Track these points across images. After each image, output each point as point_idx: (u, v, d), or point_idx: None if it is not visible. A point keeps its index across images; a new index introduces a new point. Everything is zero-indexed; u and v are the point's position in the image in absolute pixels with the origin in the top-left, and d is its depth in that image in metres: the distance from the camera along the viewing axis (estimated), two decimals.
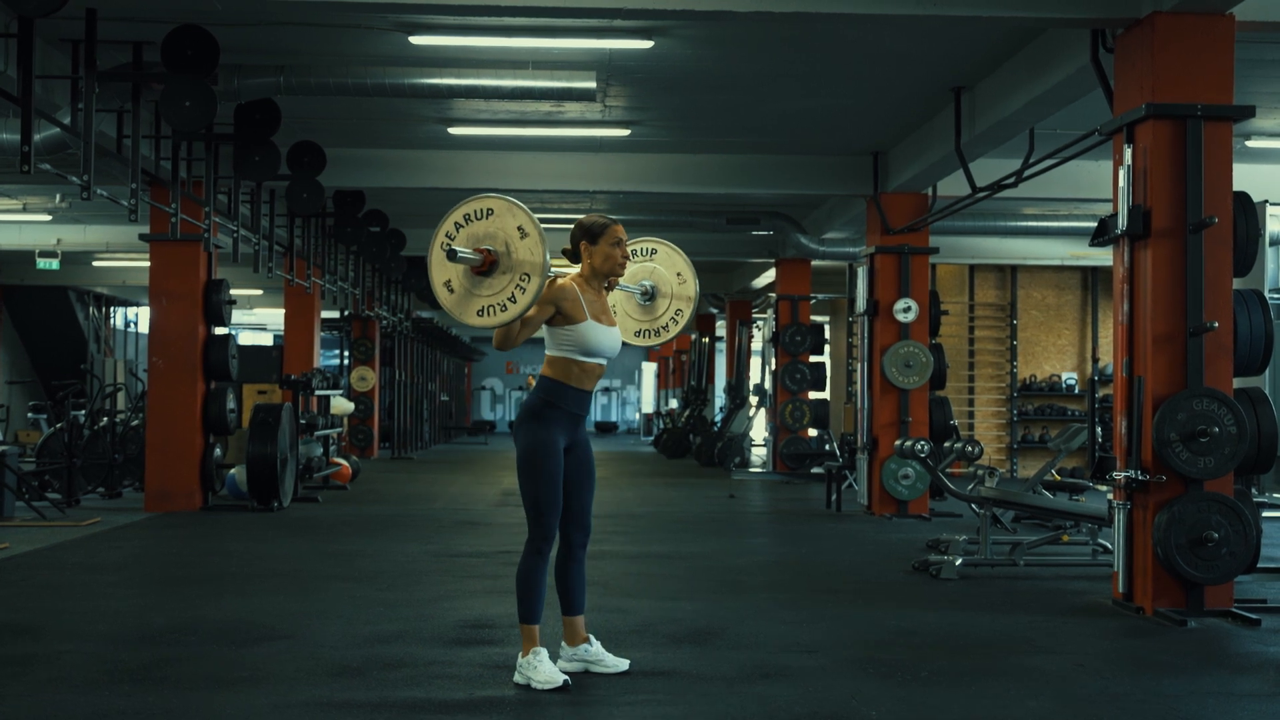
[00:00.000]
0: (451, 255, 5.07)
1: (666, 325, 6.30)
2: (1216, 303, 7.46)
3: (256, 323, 36.29)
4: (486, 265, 5.15)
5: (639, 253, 6.29)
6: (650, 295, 6.27)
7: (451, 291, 5.22)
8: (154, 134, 11.11)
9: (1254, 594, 8.03)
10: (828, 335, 23.35)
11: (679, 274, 6.28)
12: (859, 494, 13.83)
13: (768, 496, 16.04)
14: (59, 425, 14.24)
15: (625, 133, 12.88)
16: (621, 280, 6.01)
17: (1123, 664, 6.23)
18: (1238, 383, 7.81)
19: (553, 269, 5.34)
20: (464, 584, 8.32)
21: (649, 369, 41.95)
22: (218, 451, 13.32)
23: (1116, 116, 7.88)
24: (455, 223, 5.23)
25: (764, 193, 14.86)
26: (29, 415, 23.44)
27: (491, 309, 5.18)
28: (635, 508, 13.99)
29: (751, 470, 20.77)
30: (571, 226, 5.76)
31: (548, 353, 5.55)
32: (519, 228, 5.15)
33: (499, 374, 45.75)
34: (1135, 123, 7.65)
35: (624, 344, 6.10)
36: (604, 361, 5.59)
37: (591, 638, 5.77)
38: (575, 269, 5.69)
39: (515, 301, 5.14)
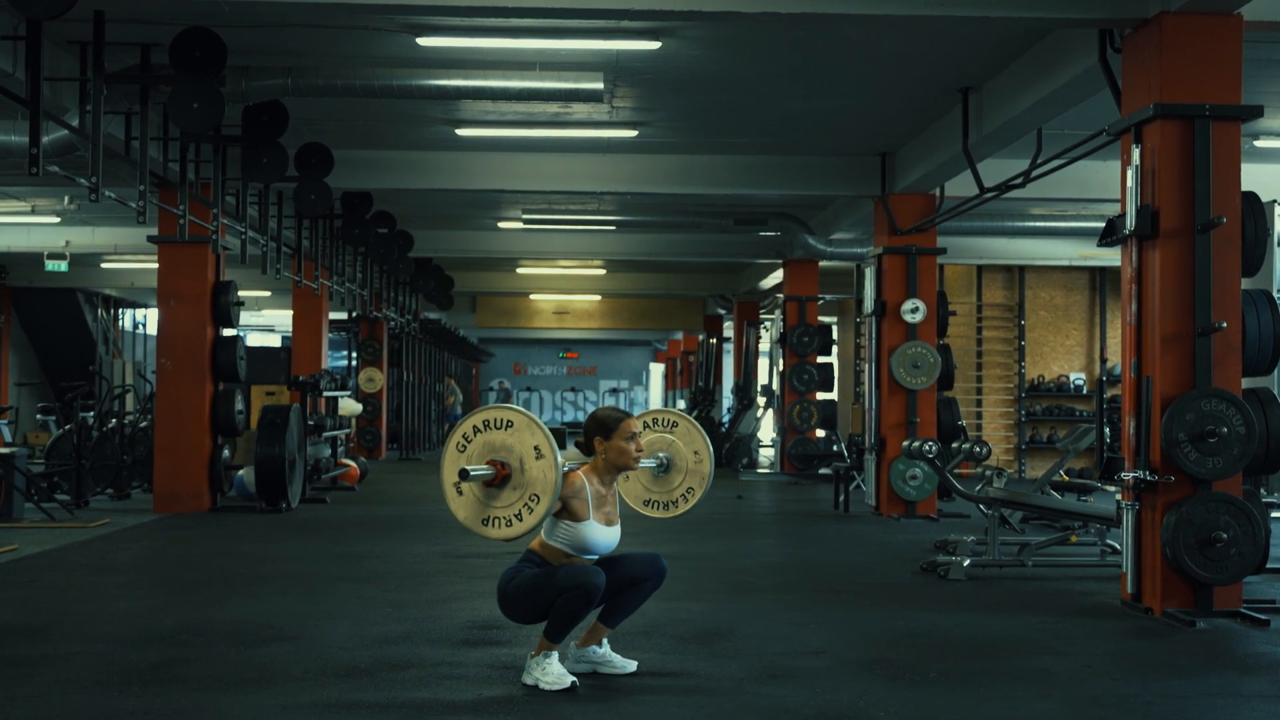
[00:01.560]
0: (464, 475, 5.14)
1: (677, 501, 6.36)
2: (1225, 303, 7.45)
3: (264, 324, 36.31)
4: (499, 480, 5.20)
5: (660, 423, 6.34)
6: (665, 467, 6.34)
7: (460, 495, 5.27)
8: (162, 136, 11.13)
9: (1263, 595, 8.02)
10: (835, 336, 23.28)
11: (696, 452, 6.33)
12: (867, 495, 13.82)
13: (775, 497, 16.02)
14: (67, 427, 14.26)
15: (633, 133, 12.88)
16: None
17: (1131, 665, 6.22)
18: (1246, 383, 7.80)
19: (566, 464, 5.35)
20: (472, 585, 8.33)
21: (657, 370, 42.00)
22: (226, 453, 13.34)
23: (1124, 117, 7.87)
24: (474, 426, 5.27)
25: (771, 193, 14.86)
26: (38, 417, 23.47)
27: (498, 521, 5.22)
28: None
29: (759, 471, 20.76)
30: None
31: (543, 536, 5.53)
32: (535, 447, 5.19)
33: (507, 375, 45.79)
34: (1143, 123, 7.64)
35: (629, 505, 6.16)
36: (595, 558, 5.58)
37: (602, 639, 5.76)
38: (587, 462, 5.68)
39: (521, 520, 5.19)
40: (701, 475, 6.31)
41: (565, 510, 5.46)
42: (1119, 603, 7.83)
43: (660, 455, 6.30)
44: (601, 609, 5.66)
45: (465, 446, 5.24)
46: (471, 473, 5.13)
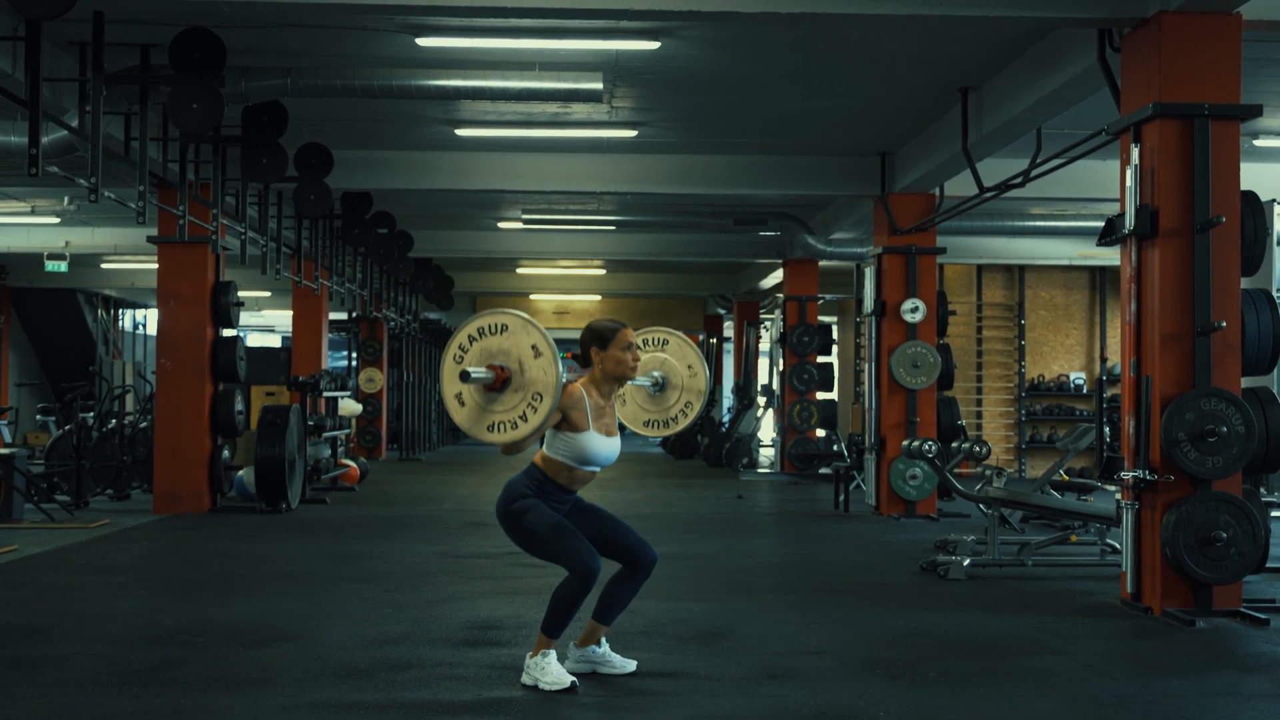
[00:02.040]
0: (464, 377, 5.06)
1: (675, 418, 6.31)
2: (1224, 302, 7.45)
3: (264, 324, 36.32)
4: (499, 383, 5.15)
5: (651, 343, 6.30)
6: (661, 386, 6.28)
7: (463, 405, 5.21)
8: (162, 136, 11.13)
9: (1263, 594, 8.02)
10: (835, 336, 23.30)
11: (690, 366, 6.28)
12: (867, 494, 13.82)
13: (775, 497, 16.02)
14: (67, 427, 14.26)
15: (632, 134, 12.89)
16: None
17: (1131, 664, 6.22)
18: (1246, 382, 7.80)
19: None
20: (472, 585, 8.33)
21: None
22: (226, 453, 13.34)
23: (1124, 116, 7.87)
24: (469, 335, 5.22)
25: (771, 193, 14.86)
26: (37, 417, 23.47)
27: (502, 425, 5.16)
28: (643, 508, 13.98)
29: (759, 471, 20.76)
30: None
31: (544, 449, 5.52)
32: (533, 346, 5.14)
33: None
34: (1142, 122, 7.64)
35: (629, 429, 6.13)
36: (598, 469, 5.58)
37: (603, 639, 5.76)
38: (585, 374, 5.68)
39: (526, 420, 5.12)
40: (697, 389, 6.26)
41: (565, 422, 5.43)
42: (1119, 602, 7.84)
43: (655, 374, 6.25)
44: (596, 605, 5.67)
45: (462, 356, 5.18)
46: (472, 374, 5.05)
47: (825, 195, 15.57)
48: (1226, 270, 7.49)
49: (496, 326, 5.19)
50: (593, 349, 5.59)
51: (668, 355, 6.29)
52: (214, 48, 9.13)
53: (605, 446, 5.52)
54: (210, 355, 13.01)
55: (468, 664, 5.97)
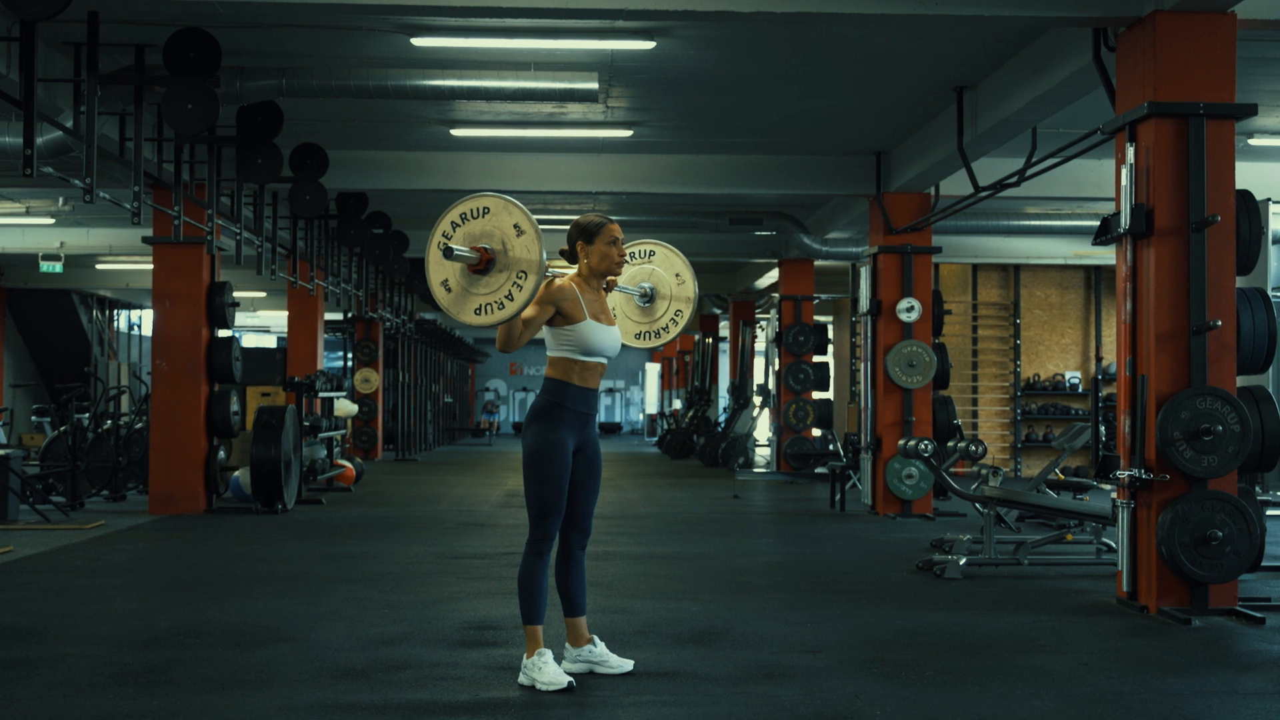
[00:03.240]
0: (448, 253, 5.06)
1: (666, 326, 6.30)
2: (1220, 301, 7.46)
3: (260, 325, 36.30)
4: (483, 263, 5.15)
5: (637, 255, 6.29)
6: (649, 297, 6.26)
7: (449, 290, 5.22)
8: (156, 137, 11.12)
9: (1258, 592, 8.03)
10: (831, 335, 23.34)
11: (677, 274, 6.27)
12: (863, 494, 13.82)
13: (772, 497, 16.03)
14: (63, 428, 14.25)
15: (627, 133, 12.89)
16: (620, 282, 6.02)
17: (1127, 663, 6.23)
18: (1241, 381, 7.81)
19: (550, 270, 5.33)
20: (468, 586, 8.33)
21: (653, 370, 41.97)
22: (221, 454, 13.33)
23: (1119, 115, 7.88)
24: (452, 221, 5.22)
25: (766, 193, 14.86)
26: (33, 418, 23.45)
27: (489, 307, 5.16)
28: (639, 508, 13.98)
29: (755, 470, 20.76)
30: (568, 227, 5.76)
31: (549, 353, 5.55)
32: (515, 225, 5.14)
33: (503, 375, 45.77)
34: (1137, 121, 7.65)
35: (625, 346, 6.12)
36: (605, 360, 5.59)
37: (596, 639, 5.77)
38: (573, 269, 5.68)
39: (512, 299, 5.13)
40: (686, 297, 6.26)
41: (560, 316, 5.44)
42: (1115, 601, 7.84)
43: (643, 285, 6.24)
44: (562, 606, 5.72)
45: (445, 244, 5.18)
46: (455, 251, 5.05)
47: (821, 195, 15.57)
48: (1222, 269, 7.50)
49: (478, 210, 5.21)
50: (579, 244, 5.62)
51: (654, 266, 6.28)
52: (209, 48, 9.12)
53: (606, 334, 5.55)
54: (206, 356, 13.01)
55: (464, 665, 5.97)
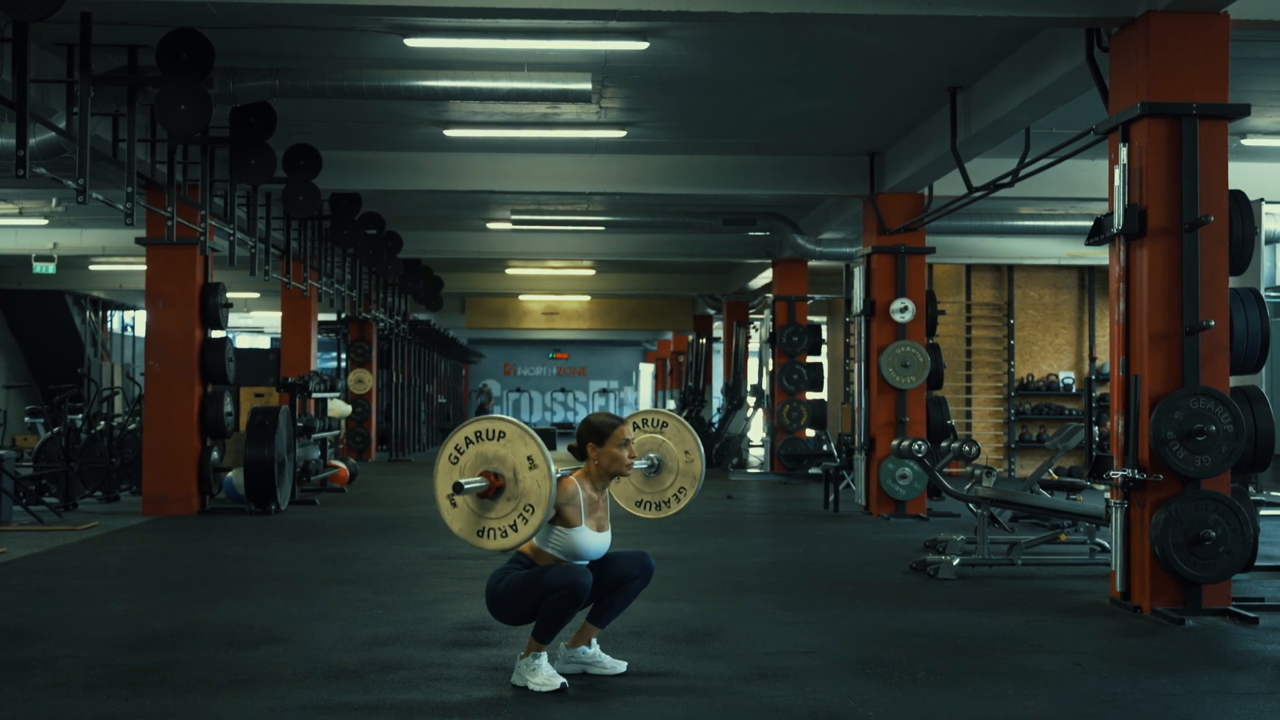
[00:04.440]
0: (457, 489, 5.09)
1: (669, 501, 6.32)
2: (1213, 301, 7.46)
3: (253, 326, 36.27)
4: (492, 490, 5.17)
5: (650, 423, 6.31)
6: (656, 468, 6.29)
7: (454, 506, 5.23)
8: (149, 137, 11.08)
9: (1251, 592, 8.05)
10: (825, 335, 23.34)
11: (687, 452, 6.28)
12: (857, 494, 13.83)
13: (765, 497, 16.03)
14: (56, 429, 14.22)
15: (621, 134, 12.88)
16: None
17: (1121, 663, 6.23)
18: (1234, 381, 7.81)
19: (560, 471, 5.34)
20: (461, 586, 8.32)
21: (646, 370, 41.99)
22: (215, 455, 13.31)
23: (1112, 115, 7.88)
24: (466, 437, 5.23)
25: (760, 193, 14.86)
26: (26, 419, 23.40)
27: (493, 533, 5.18)
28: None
29: (749, 471, 20.77)
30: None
31: (535, 541, 5.48)
32: (529, 458, 5.15)
33: (497, 376, 45.75)
34: (1131, 122, 7.65)
35: (621, 506, 6.18)
36: (586, 563, 5.57)
37: (591, 640, 5.76)
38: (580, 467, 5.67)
39: (516, 530, 5.15)
40: (693, 475, 6.29)
41: (558, 517, 5.45)
42: (1108, 601, 7.85)
43: (651, 456, 6.28)
44: (590, 608, 5.66)
45: (458, 459, 5.20)
46: (465, 486, 5.09)
47: (814, 195, 15.58)
48: (1215, 269, 7.50)
49: (494, 432, 5.21)
50: (589, 444, 5.61)
51: (665, 438, 6.30)
52: (202, 49, 9.11)
53: (595, 542, 5.54)
54: (199, 357, 12.99)
55: (457, 665, 5.97)
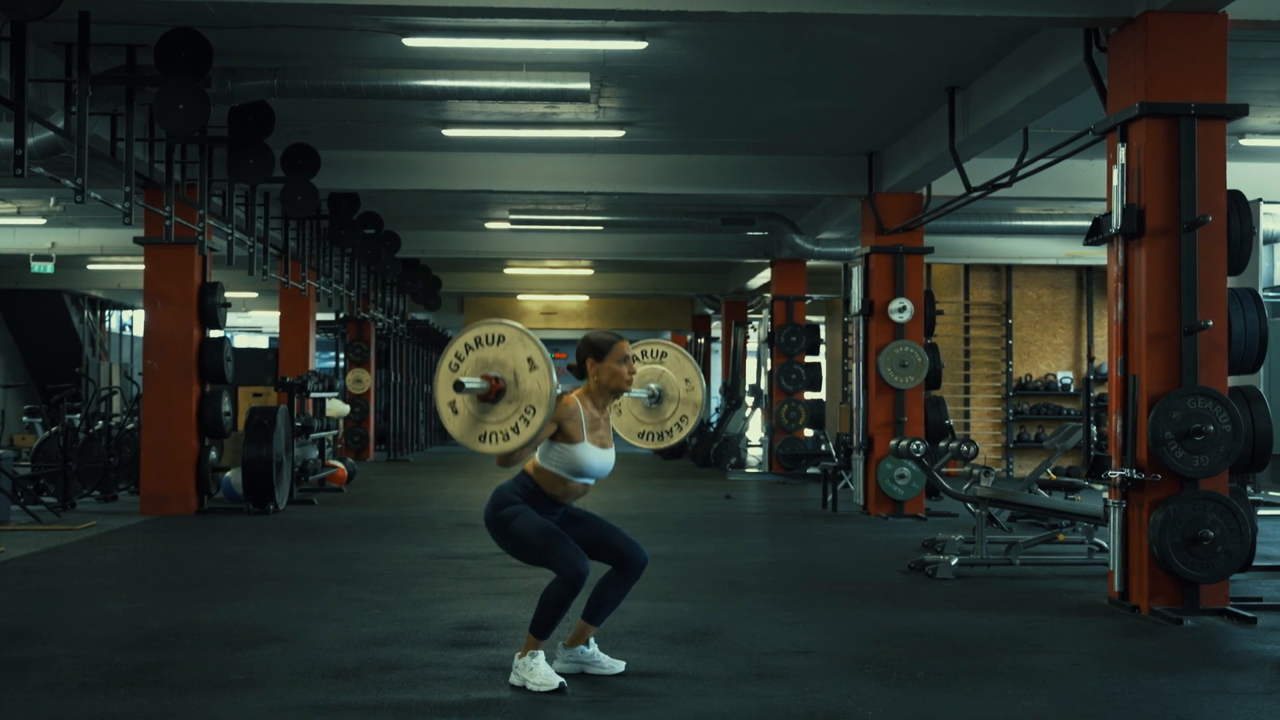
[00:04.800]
0: (459, 387, 5.07)
1: (670, 430, 6.30)
2: (1211, 301, 7.46)
3: (251, 325, 36.26)
4: (493, 394, 5.14)
5: (649, 354, 6.30)
6: (657, 398, 6.27)
7: (456, 413, 5.20)
8: (148, 137, 11.09)
9: (1249, 592, 8.05)
10: (823, 335, 23.34)
11: (687, 380, 6.27)
12: (855, 494, 13.83)
13: (764, 497, 16.03)
14: (54, 429, 14.21)
15: (619, 134, 12.88)
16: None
17: (1119, 663, 6.23)
18: (1232, 381, 7.81)
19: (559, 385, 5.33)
20: (460, 586, 8.32)
21: None
22: (213, 454, 13.31)
23: (1110, 115, 7.89)
24: (465, 344, 5.21)
25: (759, 193, 14.86)
26: (24, 419, 23.38)
27: (495, 436, 5.16)
28: (631, 509, 13.98)
29: (747, 471, 20.77)
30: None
31: (537, 459, 5.49)
32: (529, 359, 5.13)
33: None
34: (1129, 121, 7.66)
35: (624, 439, 6.15)
36: (591, 482, 5.57)
37: (589, 639, 5.76)
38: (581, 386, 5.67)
39: (518, 432, 5.12)
40: (694, 403, 6.26)
41: (560, 433, 5.42)
42: (1106, 601, 7.85)
43: (651, 386, 6.25)
44: (585, 605, 5.67)
45: (458, 365, 5.17)
46: (466, 384, 5.05)
47: (813, 195, 15.58)
48: (1213, 269, 7.51)
49: (493, 337, 5.18)
50: (589, 361, 5.59)
51: (665, 368, 6.29)
52: (200, 48, 9.11)
53: (599, 459, 5.52)
54: (197, 356, 12.99)
55: (456, 665, 5.96)
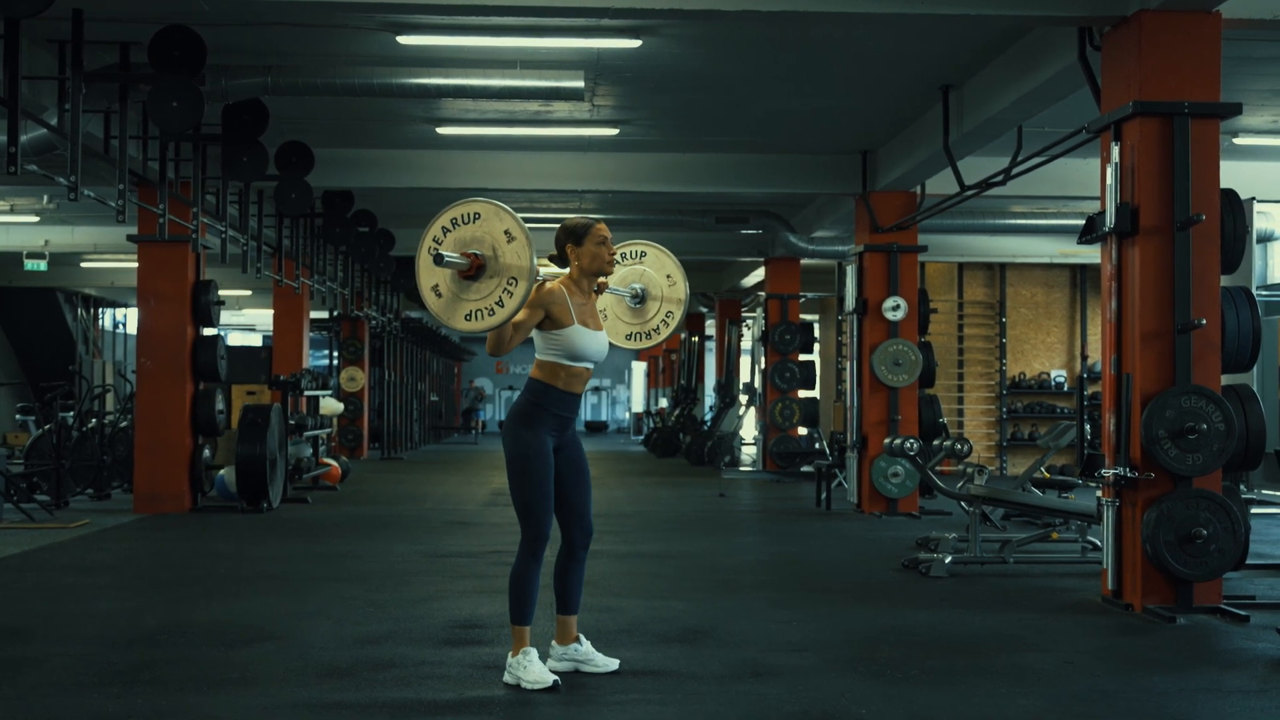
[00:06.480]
0: (438, 260, 5.06)
1: (657, 328, 6.29)
2: (1204, 300, 7.47)
3: (245, 323, 36.21)
4: (474, 270, 5.14)
5: (628, 255, 6.29)
6: (640, 298, 6.26)
7: (439, 296, 5.21)
8: (141, 135, 11.08)
9: (1242, 590, 8.06)
10: (817, 334, 23.32)
11: (669, 276, 6.27)
12: (849, 492, 13.84)
13: (758, 495, 16.04)
14: (47, 427, 14.19)
15: (613, 132, 12.88)
16: (611, 283, 6.02)
17: (1112, 661, 6.24)
18: (1226, 380, 7.83)
19: (541, 274, 5.33)
20: (453, 584, 8.32)
21: (639, 368, 41.96)
22: (206, 453, 13.29)
23: (1104, 114, 7.90)
24: (442, 227, 5.22)
25: (753, 192, 14.86)
26: (17, 417, 23.35)
27: (479, 313, 5.16)
28: (625, 507, 13.98)
29: (741, 469, 20.77)
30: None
31: (537, 356, 5.55)
32: (506, 231, 5.14)
33: (489, 374, 45.71)
34: (1123, 120, 7.66)
35: (614, 346, 6.13)
36: (591, 365, 5.59)
37: (581, 637, 5.76)
38: (563, 273, 5.68)
39: (503, 305, 5.13)
40: (677, 299, 6.26)
41: (549, 320, 5.44)
42: (1100, 599, 7.86)
43: (634, 286, 6.25)
44: (555, 602, 5.71)
45: (436, 249, 5.17)
46: (446, 257, 5.05)
47: (807, 194, 15.58)
48: (1206, 268, 7.52)
49: (469, 215, 5.20)
50: (568, 247, 5.62)
51: (645, 266, 6.28)
52: (194, 46, 9.09)
53: (593, 340, 5.55)
54: (191, 354, 12.97)
55: (450, 663, 5.96)
